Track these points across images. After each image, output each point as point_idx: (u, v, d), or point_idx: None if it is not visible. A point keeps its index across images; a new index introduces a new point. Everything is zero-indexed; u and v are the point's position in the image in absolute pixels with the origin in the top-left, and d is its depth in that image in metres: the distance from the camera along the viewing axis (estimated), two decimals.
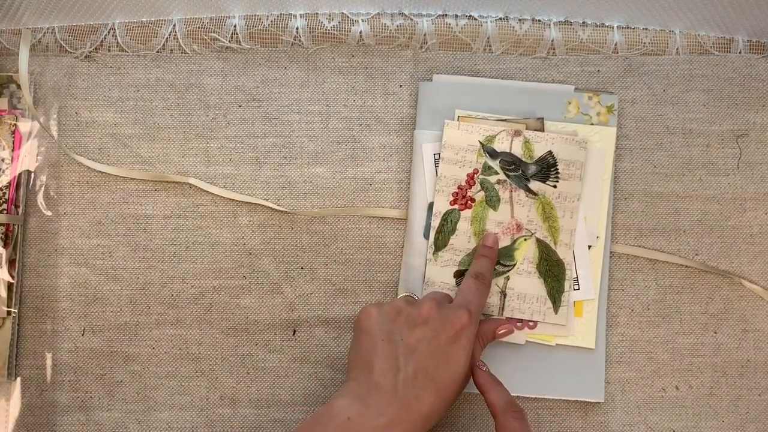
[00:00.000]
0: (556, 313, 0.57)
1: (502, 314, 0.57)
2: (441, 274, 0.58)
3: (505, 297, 0.57)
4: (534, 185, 0.58)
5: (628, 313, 0.60)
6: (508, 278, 0.58)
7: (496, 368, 0.57)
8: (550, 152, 0.58)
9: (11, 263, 0.59)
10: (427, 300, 0.51)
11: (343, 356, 0.60)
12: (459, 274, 0.58)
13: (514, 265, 0.58)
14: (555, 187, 0.58)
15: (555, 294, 0.57)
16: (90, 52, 0.61)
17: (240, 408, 0.59)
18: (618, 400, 0.59)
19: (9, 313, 0.58)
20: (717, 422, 0.59)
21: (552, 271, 0.58)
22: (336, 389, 0.60)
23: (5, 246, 0.59)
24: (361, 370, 0.49)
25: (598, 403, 0.59)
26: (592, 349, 0.58)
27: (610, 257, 0.60)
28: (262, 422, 0.59)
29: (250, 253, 0.60)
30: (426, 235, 0.58)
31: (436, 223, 0.58)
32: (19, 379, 0.59)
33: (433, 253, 0.58)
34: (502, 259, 0.58)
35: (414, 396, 0.47)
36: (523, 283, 0.58)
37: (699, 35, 0.61)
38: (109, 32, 0.61)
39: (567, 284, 0.57)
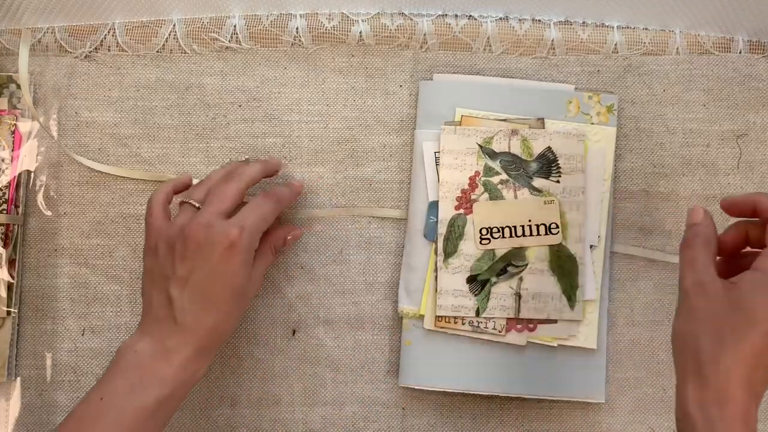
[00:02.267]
0: (572, 309, 0.57)
1: (518, 315, 0.57)
2: (453, 281, 0.57)
3: (520, 299, 0.57)
4: (537, 182, 0.58)
5: (628, 313, 0.60)
6: (521, 279, 0.57)
7: (497, 369, 0.58)
8: (549, 148, 0.58)
9: (11, 263, 0.59)
10: (196, 222, 0.50)
11: (343, 356, 0.60)
12: (471, 280, 0.57)
13: (526, 265, 0.57)
14: (558, 182, 0.58)
15: (569, 290, 0.57)
16: (90, 52, 0.61)
17: (240, 408, 0.59)
18: (618, 400, 0.59)
19: (9, 313, 0.58)
20: None
21: (564, 267, 0.57)
22: (336, 389, 0.60)
23: (5, 246, 0.59)
24: (146, 304, 0.51)
25: (599, 403, 0.59)
26: (593, 350, 0.58)
27: (611, 257, 0.59)
28: (262, 422, 0.59)
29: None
30: (426, 235, 0.58)
31: (443, 230, 0.58)
32: (19, 379, 0.59)
33: (444, 261, 0.57)
34: (514, 259, 0.57)
35: (194, 319, 0.48)
36: (537, 283, 0.57)
37: (699, 35, 0.61)
38: (109, 32, 0.61)
39: (580, 279, 0.57)
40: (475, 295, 0.57)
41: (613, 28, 0.61)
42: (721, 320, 0.43)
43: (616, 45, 0.61)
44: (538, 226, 0.57)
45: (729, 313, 0.42)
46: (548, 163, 0.58)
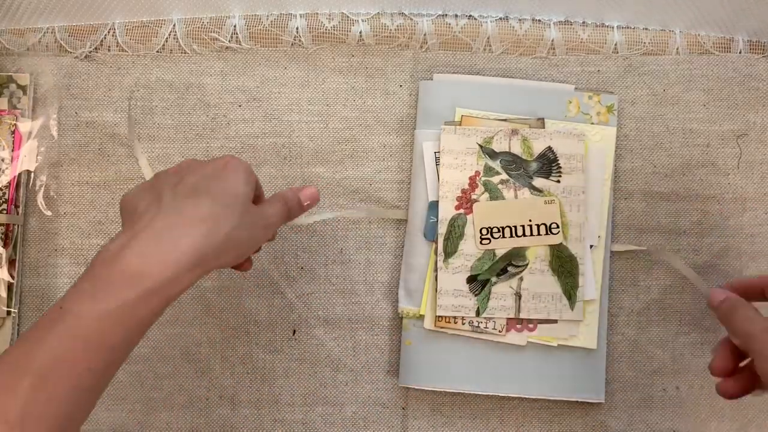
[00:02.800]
0: (572, 310, 0.57)
1: (518, 315, 0.57)
2: (453, 281, 0.57)
3: (520, 299, 0.57)
4: (538, 182, 0.58)
5: (628, 313, 0.60)
6: (521, 279, 0.57)
7: (497, 369, 0.58)
8: (549, 147, 0.58)
9: (11, 263, 0.59)
10: (185, 161, 0.47)
11: (343, 356, 0.60)
12: (472, 280, 0.57)
13: (527, 264, 0.57)
14: (559, 182, 0.58)
15: (570, 290, 0.57)
16: (90, 52, 0.61)
17: (240, 408, 0.59)
18: (618, 400, 0.59)
19: (9, 313, 0.58)
20: (717, 422, 0.59)
21: (565, 267, 0.57)
22: (336, 389, 0.60)
23: (5, 246, 0.59)
24: (126, 216, 0.43)
25: (599, 403, 0.59)
26: (593, 350, 0.58)
27: (611, 257, 0.59)
28: (262, 422, 0.59)
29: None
30: (426, 235, 0.58)
31: (443, 229, 0.58)
32: None
33: (444, 261, 0.57)
34: (514, 259, 0.57)
35: (184, 204, 0.41)
36: (537, 283, 0.57)
37: (699, 35, 0.61)
38: (109, 32, 0.61)
39: (581, 279, 0.57)
40: (476, 295, 0.57)
41: (613, 28, 0.61)
42: None
43: (616, 45, 0.61)
44: (538, 226, 0.57)
45: None
46: (548, 163, 0.58)
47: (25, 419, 0.36)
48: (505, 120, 0.59)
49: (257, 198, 0.48)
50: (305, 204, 0.50)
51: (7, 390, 0.36)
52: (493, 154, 0.58)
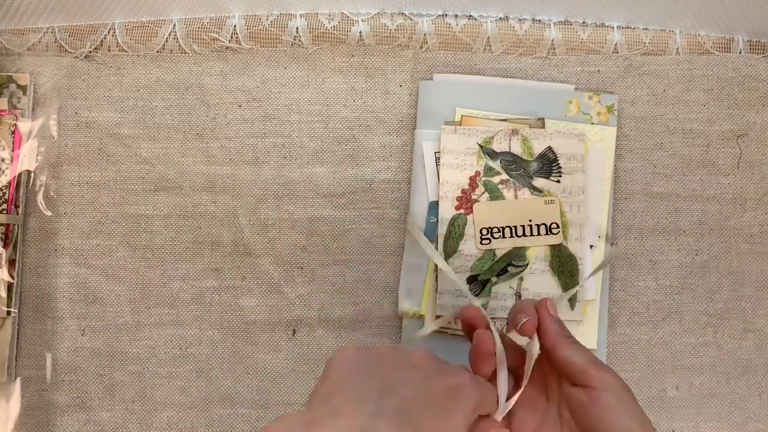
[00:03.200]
0: (572, 310, 0.57)
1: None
2: (453, 282, 0.57)
3: (520, 298, 0.57)
4: (538, 182, 0.58)
5: (628, 313, 0.60)
6: (522, 279, 0.57)
7: None
8: (550, 148, 0.58)
9: (11, 263, 0.59)
10: (419, 349, 0.42)
11: None
12: (472, 280, 0.57)
13: (527, 264, 0.57)
14: (559, 182, 0.58)
15: (570, 290, 0.57)
16: (90, 52, 0.61)
17: (240, 408, 0.59)
18: None
19: (9, 313, 0.58)
20: (717, 422, 0.59)
21: (565, 267, 0.57)
22: None
23: (5, 246, 0.59)
24: (318, 400, 0.37)
25: None
26: (593, 350, 0.58)
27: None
28: (262, 422, 0.59)
29: (250, 253, 0.60)
30: (426, 235, 0.58)
31: (443, 230, 0.58)
32: (19, 379, 0.59)
33: (444, 261, 0.57)
34: (514, 259, 0.57)
35: (377, 427, 0.35)
36: (538, 283, 0.57)
37: (699, 35, 0.61)
38: (109, 32, 0.61)
39: (581, 279, 0.57)
40: (476, 295, 0.57)
41: (613, 28, 0.61)
42: None
43: (616, 45, 0.61)
44: (538, 226, 0.57)
45: None
46: (549, 163, 0.58)
47: None
48: (505, 120, 0.59)
49: None
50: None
51: None
52: (493, 154, 0.58)
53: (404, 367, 0.39)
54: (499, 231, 0.57)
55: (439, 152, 0.58)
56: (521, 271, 0.57)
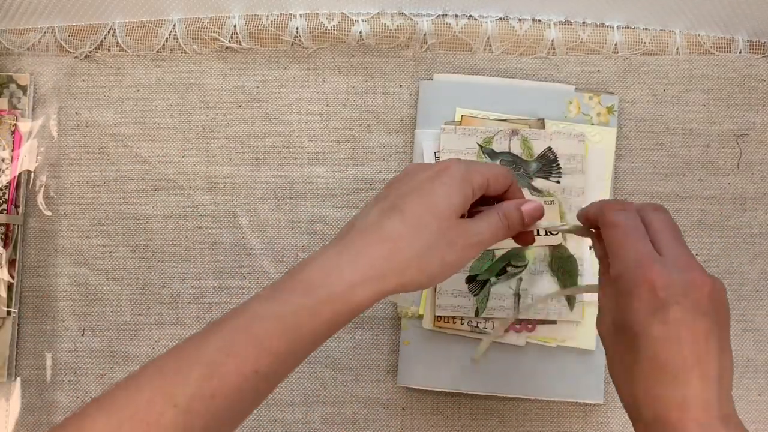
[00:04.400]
0: (571, 310, 0.57)
1: (517, 316, 0.57)
2: (452, 281, 0.57)
3: (519, 299, 0.57)
4: (538, 183, 0.58)
5: None
6: (521, 279, 0.57)
7: (496, 369, 0.57)
8: (549, 148, 0.58)
9: (11, 263, 0.59)
10: (415, 163, 0.47)
11: (343, 356, 0.60)
12: (471, 280, 0.57)
13: (526, 265, 0.57)
14: (559, 182, 0.58)
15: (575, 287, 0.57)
16: (90, 52, 0.61)
17: None
18: (618, 400, 0.59)
19: (9, 313, 0.58)
20: None
21: (564, 267, 0.57)
22: (336, 389, 0.60)
23: (5, 246, 0.59)
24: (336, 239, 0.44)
25: (598, 403, 0.59)
26: (591, 351, 0.58)
27: None
28: (262, 422, 0.59)
29: (250, 253, 0.60)
30: None
31: None
32: (19, 379, 0.59)
33: None
34: (513, 260, 0.57)
35: (373, 225, 0.41)
36: (537, 283, 0.57)
37: (699, 35, 0.61)
38: (109, 32, 0.61)
39: (580, 279, 0.57)
40: (475, 296, 0.57)
41: (613, 28, 0.61)
42: None
43: (616, 45, 0.61)
44: None
45: None
46: (548, 164, 0.58)
47: (190, 408, 0.36)
48: (505, 120, 0.59)
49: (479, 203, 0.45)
50: (527, 220, 0.46)
51: (179, 375, 0.37)
52: (493, 155, 0.58)
53: (397, 179, 0.44)
54: None
55: (439, 152, 0.58)
56: (520, 272, 0.57)
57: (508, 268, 0.57)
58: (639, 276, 0.38)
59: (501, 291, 0.57)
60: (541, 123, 0.59)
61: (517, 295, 0.57)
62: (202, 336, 0.39)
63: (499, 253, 0.57)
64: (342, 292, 0.39)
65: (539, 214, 0.46)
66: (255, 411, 0.59)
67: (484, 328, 0.57)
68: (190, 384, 0.36)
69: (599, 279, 0.45)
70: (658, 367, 0.37)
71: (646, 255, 0.39)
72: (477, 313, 0.57)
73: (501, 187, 0.46)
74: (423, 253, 0.41)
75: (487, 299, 0.57)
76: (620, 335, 0.40)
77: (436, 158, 0.58)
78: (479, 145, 0.58)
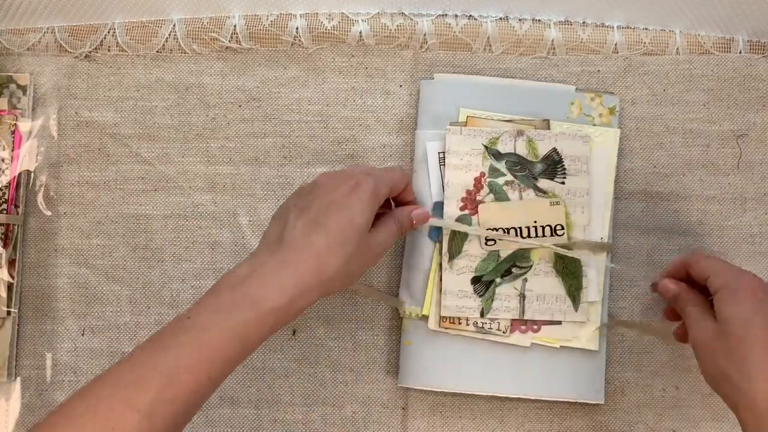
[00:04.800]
0: (576, 311, 0.57)
1: (522, 317, 0.57)
2: (457, 282, 0.57)
3: (524, 299, 0.57)
4: (542, 183, 0.58)
5: (629, 314, 0.60)
6: (525, 280, 0.57)
7: (499, 370, 0.57)
8: (555, 149, 0.58)
9: (11, 263, 0.59)
10: (323, 173, 0.52)
11: (343, 356, 0.60)
12: (476, 281, 0.57)
13: (531, 266, 0.57)
14: (563, 183, 0.58)
15: (574, 291, 0.57)
16: (90, 52, 0.61)
17: (240, 408, 0.59)
18: (618, 400, 0.59)
19: (9, 313, 0.58)
20: (717, 422, 0.59)
21: (569, 268, 0.57)
22: (336, 389, 0.60)
23: (5, 246, 0.59)
24: (261, 239, 0.50)
25: (599, 403, 0.59)
26: (594, 351, 0.58)
27: (612, 258, 0.59)
28: (262, 422, 0.59)
29: (250, 253, 0.60)
30: (431, 236, 0.58)
31: (448, 230, 0.57)
32: (19, 379, 0.59)
33: (448, 261, 0.57)
34: (518, 261, 0.57)
35: (301, 238, 0.47)
36: (542, 284, 0.57)
37: (699, 35, 0.61)
38: (109, 32, 0.61)
39: (584, 281, 0.57)
40: (480, 296, 0.57)
41: (613, 28, 0.61)
42: None
43: (616, 45, 0.61)
44: (543, 228, 0.57)
45: None
46: (553, 165, 0.58)
47: (153, 412, 0.40)
48: (510, 121, 0.59)
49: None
50: (416, 224, 0.54)
51: (139, 384, 0.41)
52: (498, 155, 0.58)
53: (310, 191, 0.50)
54: (504, 232, 0.57)
55: (443, 152, 0.58)
56: (525, 273, 0.57)
57: (513, 269, 0.57)
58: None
59: (506, 292, 0.57)
60: (546, 124, 0.59)
61: (522, 296, 0.57)
62: (153, 348, 0.43)
63: (504, 254, 0.57)
64: (283, 305, 0.45)
65: (426, 218, 0.55)
66: (255, 411, 0.60)
67: (490, 328, 0.57)
68: (150, 391, 0.41)
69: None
70: None
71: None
72: (482, 314, 0.57)
73: (400, 190, 0.53)
74: (346, 264, 0.47)
75: (492, 300, 0.57)
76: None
77: (440, 159, 0.58)
78: (484, 146, 0.58)
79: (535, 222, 0.57)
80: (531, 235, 0.57)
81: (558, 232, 0.57)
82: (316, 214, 0.48)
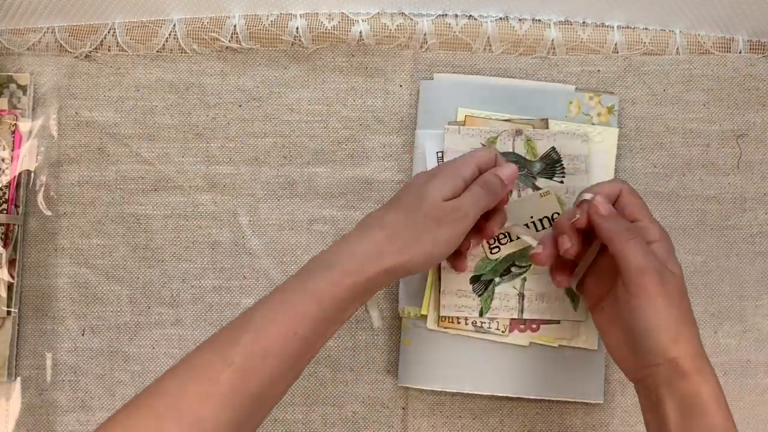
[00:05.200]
0: (575, 310, 0.57)
1: (521, 316, 0.57)
2: (456, 282, 0.57)
3: (523, 299, 0.57)
4: (541, 183, 0.58)
5: None
6: (525, 279, 0.57)
7: (499, 369, 0.57)
8: (553, 148, 0.58)
9: (11, 263, 0.59)
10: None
11: (343, 356, 0.60)
12: (475, 280, 0.57)
13: (530, 265, 0.57)
14: (562, 182, 0.58)
15: (572, 291, 0.57)
16: (90, 52, 0.61)
17: None
18: (618, 400, 0.59)
19: (9, 313, 0.58)
20: None
21: None
22: (336, 389, 0.60)
23: (5, 246, 0.59)
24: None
25: (598, 403, 0.59)
26: (593, 350, 0.58)
27: None
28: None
29: (250, 253, 0.60)
30: None
31: None
32: (19, 379, 0.59)
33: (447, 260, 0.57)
34: (517, 260, 0.57)
35: (378, 216, 0.49)
36: (541, 283, 0.57)
37: (699, 35, 0.61)
38: (109, 32, 0.61)
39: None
40: (479, 296, 0.57)
41: (613, 28, 0.61)
42: None
43: (616, 45, 0.61)
44: (541, 221, 0.57)
45: None
46: (552, 164, 0.58)
47: (245, 366, 0.43)
48: (508, 120, 0.59)
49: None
50: (507, 180, 0.52)
51: (231, 340, 0.44)
52: None
53: (404, 185, 0.52)
54: (505, 236, 0.57)
55: (441, 152, 0.58)
56: (524, 272, 0.57)
57: (512, 268, 0.57)
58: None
59: (505, 291, 0.57)
60: (544, 123, 0.59)
61: (521, 295, 0.57)
62: (245, 314, 0.46)
63: (503, 254, 0.57)
64: (355, 266, 0.46)
65: (515, 174, 0.52)
66: None
67: (489, 328, 0.57)
68: (240, 344, 0.43)
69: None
70: None
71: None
72: (481, 314, 0.57)
73: (490, 163, 0.52)
74: (416, 234, 0.48)
75: (492, 299, 0.57)
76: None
77: (439, 158, 0.58)
78: (483, 145, 0.58)
79: (532, 217, 0.57)
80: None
81: (555, 220, 0.57)
82: (395, 198, 0.51)
